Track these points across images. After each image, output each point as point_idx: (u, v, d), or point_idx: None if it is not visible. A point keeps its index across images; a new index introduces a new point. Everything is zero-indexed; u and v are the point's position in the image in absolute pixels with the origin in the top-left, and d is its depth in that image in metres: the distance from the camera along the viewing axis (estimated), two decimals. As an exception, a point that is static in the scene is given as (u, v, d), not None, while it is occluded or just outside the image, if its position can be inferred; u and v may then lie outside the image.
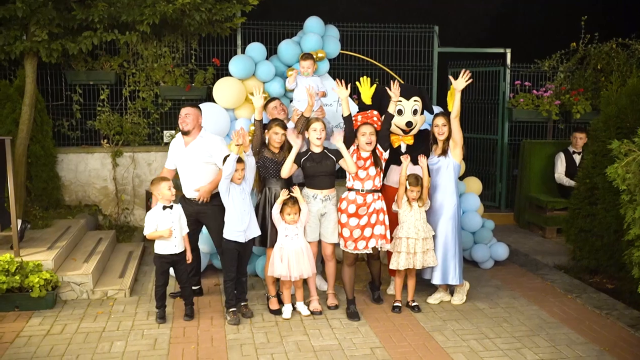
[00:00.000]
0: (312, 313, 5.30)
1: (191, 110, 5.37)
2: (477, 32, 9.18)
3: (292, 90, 6.27)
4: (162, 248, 5.07)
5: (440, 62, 8.64)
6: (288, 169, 5.20)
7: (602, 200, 6.24)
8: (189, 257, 5.18)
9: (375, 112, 5.29)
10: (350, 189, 5.26)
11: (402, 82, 7.41)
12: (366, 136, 5.16)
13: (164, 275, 5.14)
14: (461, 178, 7.11)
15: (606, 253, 6.24)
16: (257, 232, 5.25)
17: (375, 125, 5.22)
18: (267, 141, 5.37)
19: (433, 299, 5.61)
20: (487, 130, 9.03)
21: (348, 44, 7.50)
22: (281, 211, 5.14)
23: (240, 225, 5.11)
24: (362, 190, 5.20)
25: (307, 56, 6.12)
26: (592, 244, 6.35)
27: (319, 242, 5.43)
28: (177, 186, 5.42)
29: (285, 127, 5.34)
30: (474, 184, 7.04)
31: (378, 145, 5.25)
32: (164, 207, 5.04)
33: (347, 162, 5.16)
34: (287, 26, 8.05)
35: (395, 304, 5.43)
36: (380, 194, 5.28)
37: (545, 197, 8.07)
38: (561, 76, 8.68)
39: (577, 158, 8.12)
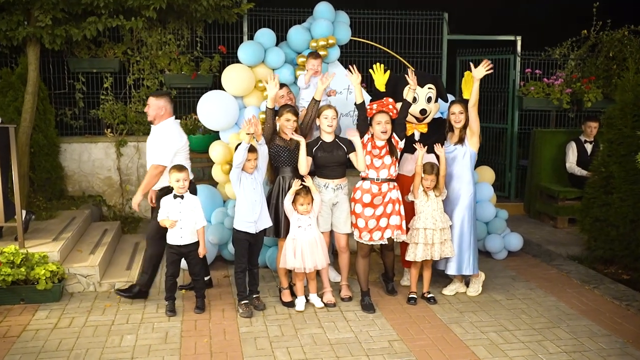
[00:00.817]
0: (326, 305, 5.17)
1: (151, 101, 5.20)
2: (487, 20, 9.01)
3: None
4: (170, 237, 4.96)
5: (450, 49, 8.49)
6: (305, 164, 5.06)
7: (618, 190, 6.12)
8: (201, 251, 5.02)
9: (391, 100, 5.14)
10: (364, 178, 5.12)
11: (413, 69, 7.28)
12: (382, 125, 5.02)
13: (173, 265, 5.02)
14: (474, 167, 6.99)
15: (622, 243, 6.13)
16: (268, 223, 5.12)
17: (391, 114, 5.08)
18: (278, 129, 5.22)
19: (448, 291, 5.50)
20: (497, 119, 8.89)
21: (356, 31, 7.33)
22: (293, 201, 5.01)
23: (251, 215, 4.99)
24: (377, 179, 5.06)
25: (316, 55, 5.90)
26: (607, 233, 6.23)
27: (331, 232, 5.31)
28: None
29: (297, 114, 5.19)
30: (487, 174, 6.91)
31: (394, 134, 5.12)
32: (175, 196, 4.92)
33: (359, 160, 5.04)
34: (294, 13, 7.88)
35: (410, 296, 5.31)
36: (395, 184, 5.14)
37: (556, 187, 7.95)
38: (572, 64, 8.53)
39: (589, 147, 7.99)
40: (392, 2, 8.23)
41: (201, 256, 5.05)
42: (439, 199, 5.22)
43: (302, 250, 4.97)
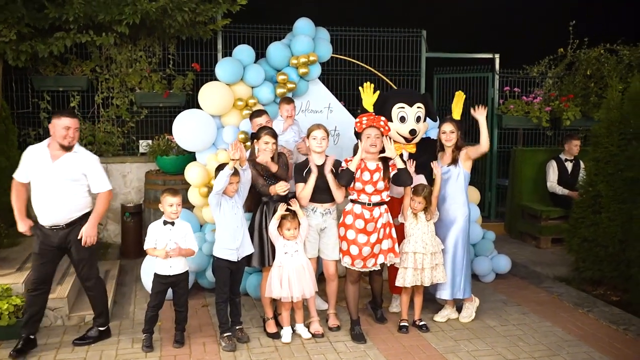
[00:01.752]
0: (314, 336, 4.88)
1: (76, 123, 4.56)
2: (465, 37, 8.95)
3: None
4: (158, 267, 4.62)
5: (429, 67, 8.37)
6: (308, 194, 4.80)
7: (607, 209, 6.01)
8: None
9: (383, 118, 4.91)
10: (354, 201, 4.87)
11: (394, 86, 7.12)
12: (371, 138, 4.72)
13: (159, 296, 4.65)
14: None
15: (611, 264, 6.00)
16: (250, 250, 4.82)
17: (382, 130, 4.84)
18: (256, 152, 4.90)
19: (440, 317, 5.27)
20: (475, 138, 8.76)
21: (335, 49, 7.10)
22: (279, 226, 4.72)
23: (232, 242, 4.68)
24: (369, 204, 4.80)
25: (289, 100, 5.71)
26: (596, 254, 6.11)
27: (318, 258, 5.04)
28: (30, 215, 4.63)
29: (275, 136, 4.90)
30: (472, 194, 6.72)
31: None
32: (165, 222, 4.60)
33: (335, 193, 4.82)
34: (270, 30, 7.66)
35: (401, 324, 5.06)
36: (386, 206, 4.90)
37: (539, 206, 7.84)
38: (550, 82, 8.50)
39: (570, 166, 7.93)
40: (371, 19, 8.09)
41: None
42: (431, 222, 5.01)
43: (289, 278, 4.68)
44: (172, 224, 4.60)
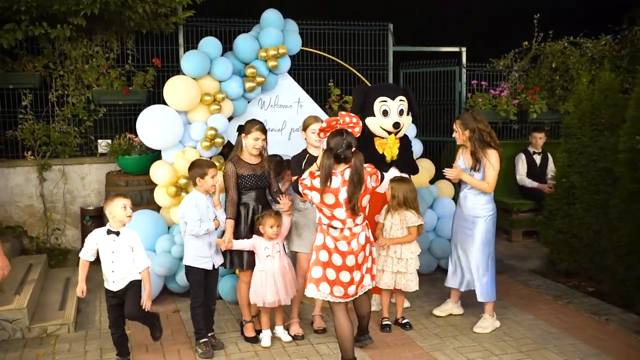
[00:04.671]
0: (294, 338, 4.66)
1: None
2: (432, 31, 8.87)
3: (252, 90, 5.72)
4: (104, 280, 4.18)
5: (396, 61, 8.24)
6: None
7: (581, 200, 5.99)
8: (145, 299, 4.11)
9: (355, 120, 3.98)
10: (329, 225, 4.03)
11: (365, 80, 6.96)
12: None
13: (111, 312, 4.19)
14: (432, 182, 6.73)
15: (586, 254, 5.98)
16: (222, 258, 4.57)
17: (351, 131, 3.94)
18: (243, 147, 4.63)
19: (440, 311, 5.14)
20: (443, 133, 8.71)
21: (303, 43, 6.90)
22: (261, 224, 4.46)
23: (207, 250, 4.42)
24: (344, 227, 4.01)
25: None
26: (571, 245, 6.08)
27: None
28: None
29: (265, 131, 4.64)
30: (447, 188, 6.65)
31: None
32: (109, 232, 4.10)
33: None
34: (234, 24, 7.37)
35: (384, 322, 4.88)
36: (367, 221, 4.16)
37: (510, 200, 7.81)
38: (516, 75, 8.50)
39: (538, 158, 7.93)
40: (338, 12, 7.89)
41: (146, 307, 4.15)
42: (405, 222, 4.81)
43: (275, 281, 4.45)
44: (117, 233, 4.08)
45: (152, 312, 4.33)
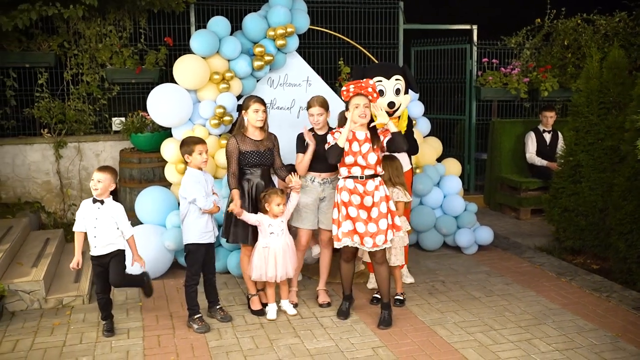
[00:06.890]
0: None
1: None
2: (443, 9, 8.84)
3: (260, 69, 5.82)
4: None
5: (406, 39, 8.26)
6: (305, 167, 4.78)
7: (587, 178, 6.03)
8: (137, 259, 4.43)
9: (372, 82, 4.56)
10: (346, 177, 4.51)
11: (374, 59, 6.99)
12: (360, 108, 4.44)
13: (98, 279, 4.43)
14: (440, 159, 6.79)
15: (591, 232, 6.04)
16: (217, 231, 4.72)
17: (370, 97, 4.53)
18: (245, 123, 4.75)
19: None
20: (454, 110, 8.73)
21: (312, 21, 6.94)
22: (267, 202, 4.58)
23: (211, 223, 4.56)
24: (362, 177, 4.48)
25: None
26: (576, 223, 6.13)
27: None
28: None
29: (264, 103, 4.75)
30: (454, 166, 6.71)
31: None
32: (94, 201, 4.30)
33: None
34: (244, 3, 7.44)
35: (374, 295, 5.02)
36: (380, 179, 4.55)
37: (518, 178, 7.85)
38: (527, 53, 8.47)
39: (548, 137, 7.94)
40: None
41: (140, 266, 4.48)
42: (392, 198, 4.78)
43: (275, 258, 4.58)
44: (102, 202, 4.30)
45: (138, 274, 4.60)
